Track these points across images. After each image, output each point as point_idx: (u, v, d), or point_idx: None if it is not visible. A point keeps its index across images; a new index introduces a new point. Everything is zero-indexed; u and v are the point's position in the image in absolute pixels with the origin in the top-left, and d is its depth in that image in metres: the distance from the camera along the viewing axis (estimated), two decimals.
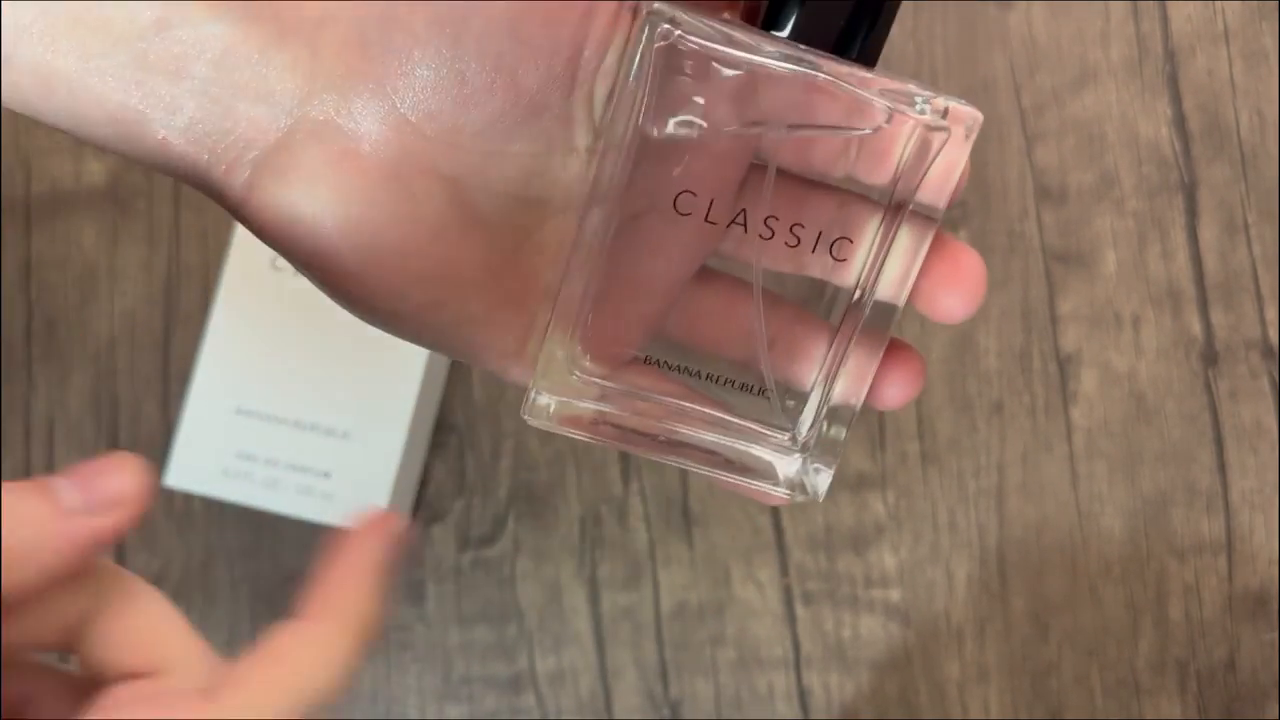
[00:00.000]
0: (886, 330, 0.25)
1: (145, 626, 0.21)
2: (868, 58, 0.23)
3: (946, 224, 0.48)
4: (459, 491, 0.48)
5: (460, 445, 0.48)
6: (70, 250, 0.50)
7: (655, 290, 0.25)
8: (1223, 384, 0.47)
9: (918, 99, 0.23)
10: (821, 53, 0.23)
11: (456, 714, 0.47)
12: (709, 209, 0.23)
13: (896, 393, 0.25)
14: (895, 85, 0.23)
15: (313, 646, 0.21)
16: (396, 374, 0.44)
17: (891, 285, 0.24)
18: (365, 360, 0.44)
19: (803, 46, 0.23)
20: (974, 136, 0.24)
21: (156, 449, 0.48)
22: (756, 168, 0.24)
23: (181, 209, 0.49)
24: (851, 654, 0.47)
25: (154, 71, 0.21)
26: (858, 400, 0.25)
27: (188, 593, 0.48)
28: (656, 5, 0.22)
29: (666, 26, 0.22)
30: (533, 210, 0.24)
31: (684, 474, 0.48)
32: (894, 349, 0.25)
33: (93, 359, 0.49)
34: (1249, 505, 0.46)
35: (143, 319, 0.49)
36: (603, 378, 0.25)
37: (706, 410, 0.25)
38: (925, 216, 0.24)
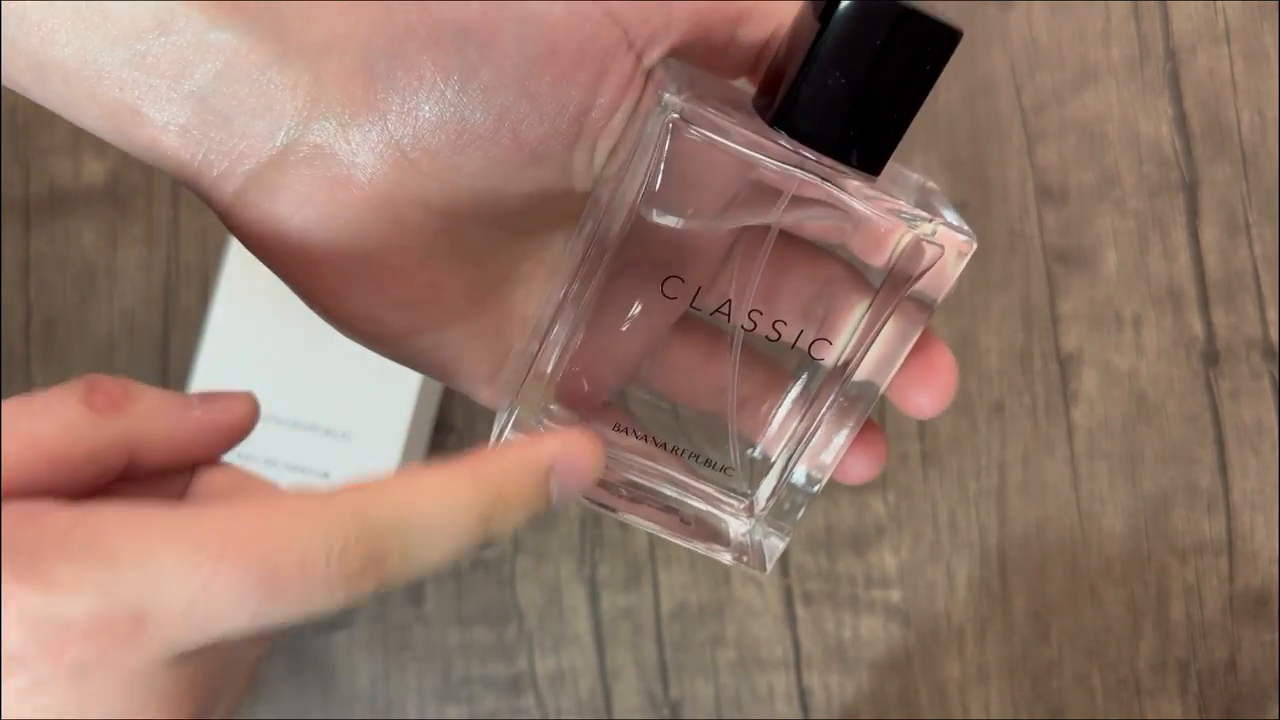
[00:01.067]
0: (865, 409, 0.25)
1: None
2: (873, 166, 0.23)
3: None
4: None
5: (460, 445, 0.48)
6: (69, 250, 0.50)
7: (630, 349, 0.25)
8: (1224, 384, 0.47)
9: (910, 218, 0.23)
10: (825, 160, 0.22)
11: (456, 714, 0.47)
12: (694, 296, 0.24)
13: (861, 471, 0.26)
14: (893, 205, 0.23)
15: (441, 495, 0.19)
16: (396, 374, 0.44)
17: (874, 367, 0.24)
18: (365, 360, 0.44)
19: (806, 151, 0.22)
20: (967, 259, 0.23)
21: None
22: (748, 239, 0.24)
23: (181, 209, 0.49)
24: (852, 654, 0.47)
25: (152, 72, 0.21)
26: (823, 474, 0.25)
27: None
28: (667, 98, 0.22)
29: (675, 117, 0.22)
30: (523, 244, 0.24)
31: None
32: (863, 429, 0.26)
33: (92, 359, 0.49)
34: (1250, 505, 0.46)
35: (142, 319, 0.49)
36: (569, 424, 0.25)
37: (667, 470, 0.25)
38: (919, 304, 0.24)
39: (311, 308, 0.23)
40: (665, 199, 0.23)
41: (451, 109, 0.21)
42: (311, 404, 0.44)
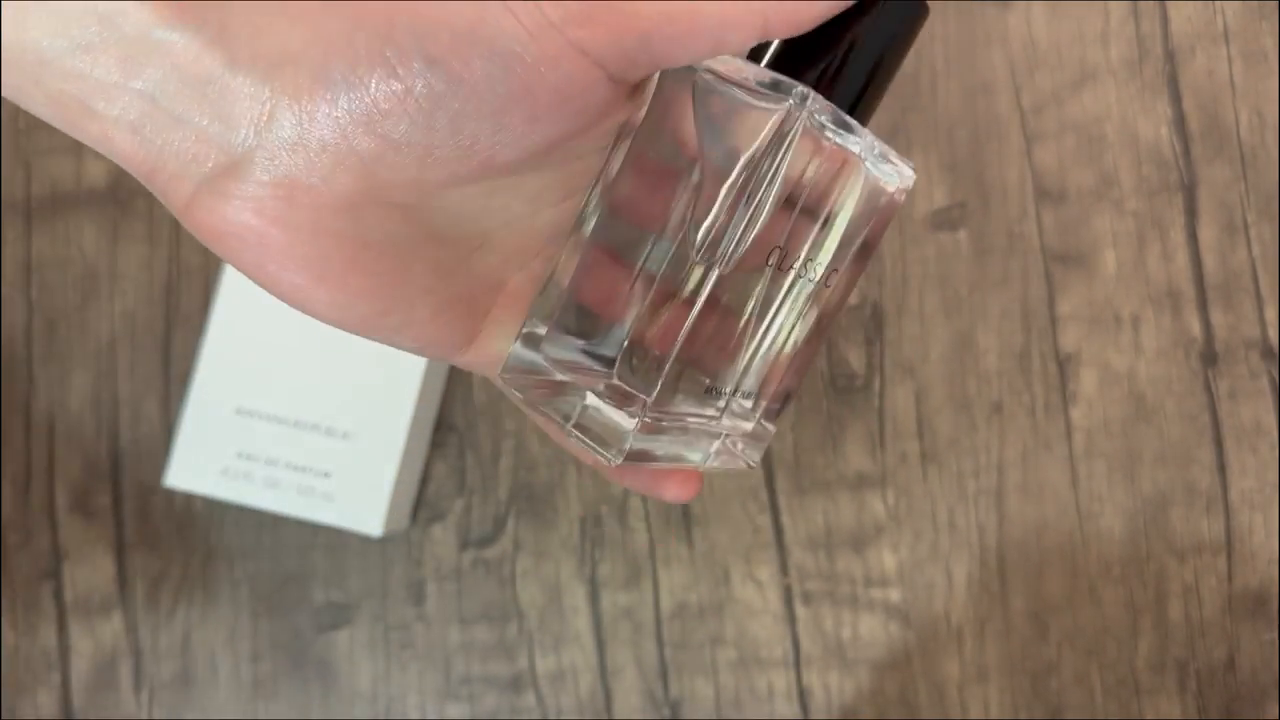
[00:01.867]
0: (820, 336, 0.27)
1: None
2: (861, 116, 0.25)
3: (945, 224, 0.48)
4: (459, 491, 0.48)
5: (460, 445, 0.48)
6: (71, 250, 0.50)
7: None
8: (1222, 384, 0.47)
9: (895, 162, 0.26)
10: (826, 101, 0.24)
11: (457, 713, 0.47)
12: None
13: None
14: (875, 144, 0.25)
15: None
16: (396, 374, 0.44)
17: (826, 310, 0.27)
18: (365, 360, 0.44)
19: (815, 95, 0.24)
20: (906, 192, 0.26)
21: (156, 449, 0.49)
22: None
23: None
24: (851, 654, 0.47)
25: (98, 66, 0.20)
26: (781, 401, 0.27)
27: (188, 593, 0.48)
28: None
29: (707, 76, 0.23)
30: (493, 218, 0.24)
31: None
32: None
33: (93, 359, 0.49)
34: (1249, 505, 0.46)
35: (143, 319, 0.49)
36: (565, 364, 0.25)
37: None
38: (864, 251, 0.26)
39: (274, 295, 0.23)
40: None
41: (419, 133, 0.21)
42: (312, 404, 0.44)
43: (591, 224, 0.25)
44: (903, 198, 0.26)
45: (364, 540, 0.48)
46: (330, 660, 0.48)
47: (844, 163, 0.25)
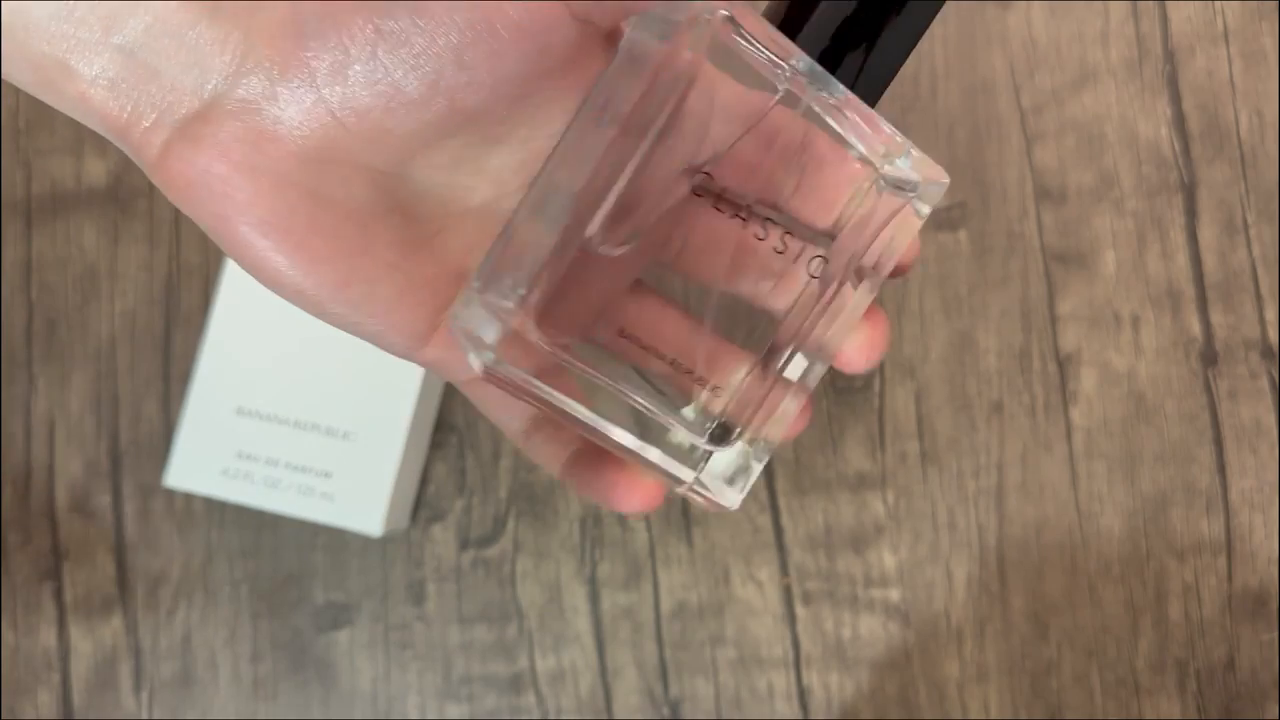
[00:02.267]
0: (815, 380, 0.25)
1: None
2: (869, 96, 0.24)
3: (945, 224, 0.48)
4: (459, 491, 0.48)
5: (460, 445, 0.48)
6: (71, 250, 0.50)
7: (614, 276, 0.25)
8: (1222, 384, 0.47)
9: (902, 154, 0.24)
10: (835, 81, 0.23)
11: (456, 713, 0.47)
12: (722, 191, 0.24)
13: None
14: (883, 128, 0.24)
15: None
16: (396, 374, 0.44)
17: (826, 338, 0.25)
18: (365, 360, 0.44)
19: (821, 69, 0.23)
20: (932, 206, 0.24)
21: (156, 449, 0.49)
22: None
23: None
24: (851, 654, 0.47)
25: (81, 25, 0.21)
26: (773, 444, 0.25)
27: (188, 593, 0.48)
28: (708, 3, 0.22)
29: (724, 15, 0.22)
30: (458, 195, 0.24)
31: None
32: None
33: (93, 359, 0.49)
34: (1248, 505, 0.47)
35: (143, 319, 0.49)
36: (553, 343, 0.24)
37: (632, 398, 0.25)
38: (868, 277, 0.24)
39: (236, 261, 0.23)
40: (633, 212, 0.23)
41: (383, 73, 0.21)
42: (312, 404, 0.44)
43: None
44: (908, 207, 0.25)
45: (364, 540, 0.48)
46: (330, 660, 0.48)
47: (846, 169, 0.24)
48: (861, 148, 0.24)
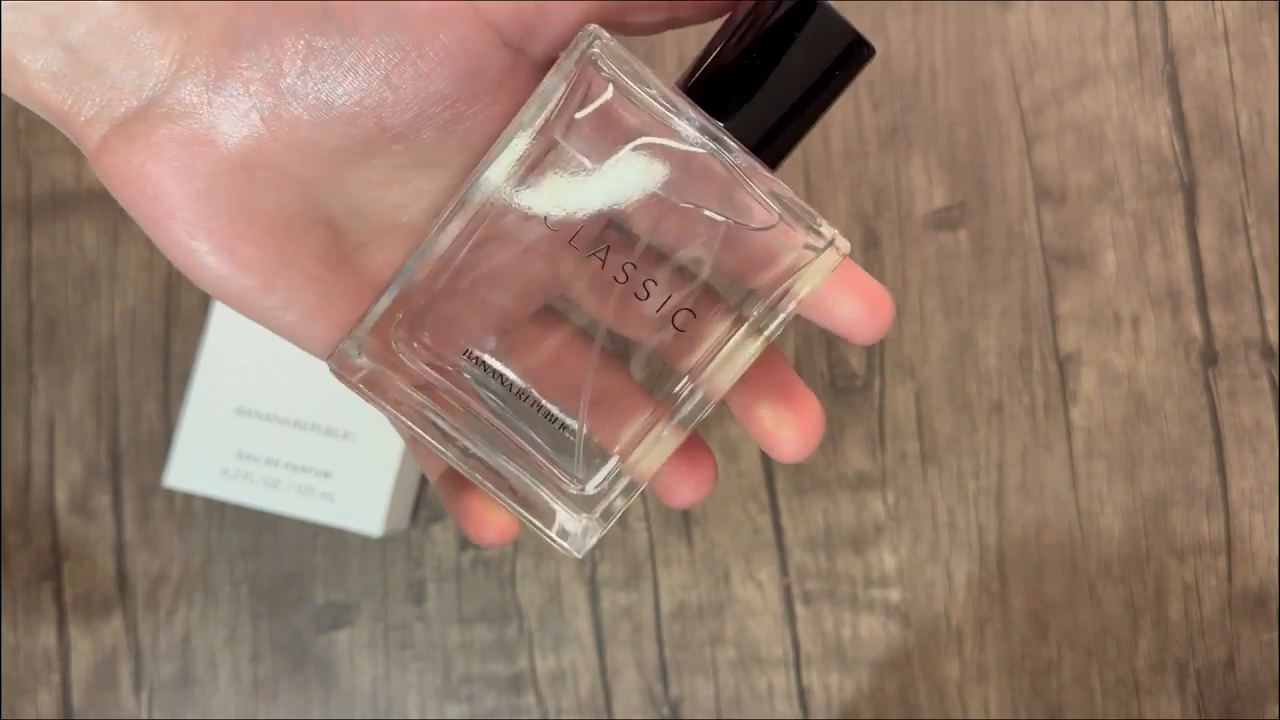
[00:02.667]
0: (689, 427, 0.25)
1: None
2: (773, 160, 0.23)
3: (945, 224, 0.48)
4: None
5: None
6: (71, 250, 0.50)
7: (498, 306, 0.25)
8: (1222, 384, 0.47)
9: (812, 220, 0.23)
10: (731, 137, 0.23)
11: (456, 713, 0.47)
12: (576, 234, 0.24)
13: (689, 494, 0.26)
14: (793, 199, 0.23)
15: None
16: None
17: (715, 386, 0.24)
18: None
19: (716, 124, 0.23)
20: (832, 266, 0.24)
21: (156, 449, 0.49)
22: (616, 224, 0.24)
23: None
24: (851, 654, 0.47)
25: (28, 23, 0.22)
26: (643, 481, 0.25)
27: (188, 593, 0.48)
28: (591, 28, 0.22)
29: (599, 42, 0.22)
30: (388, 211, 0.24)
31: None
32: (693, 446, 0.26)
33: (93, 359, 0.49)
34: (1248, 505, 0.47)
35: (143, 319, 0.49)
36: (426, 363, 0.24)
37: (510, 434, 0.25)
38: (762, 331, 0.24)
39: (167, 256, 0.24)
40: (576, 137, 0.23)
41: (314, 86, 0.22)
42: (312, 404, 0.44)
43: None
44: (819, 260, 0.24)
45: (364, 540, 0.48)
46: (330, 660, 0.48)
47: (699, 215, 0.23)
48: (775, 209, 0.23)
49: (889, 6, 0.49)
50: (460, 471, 0.25)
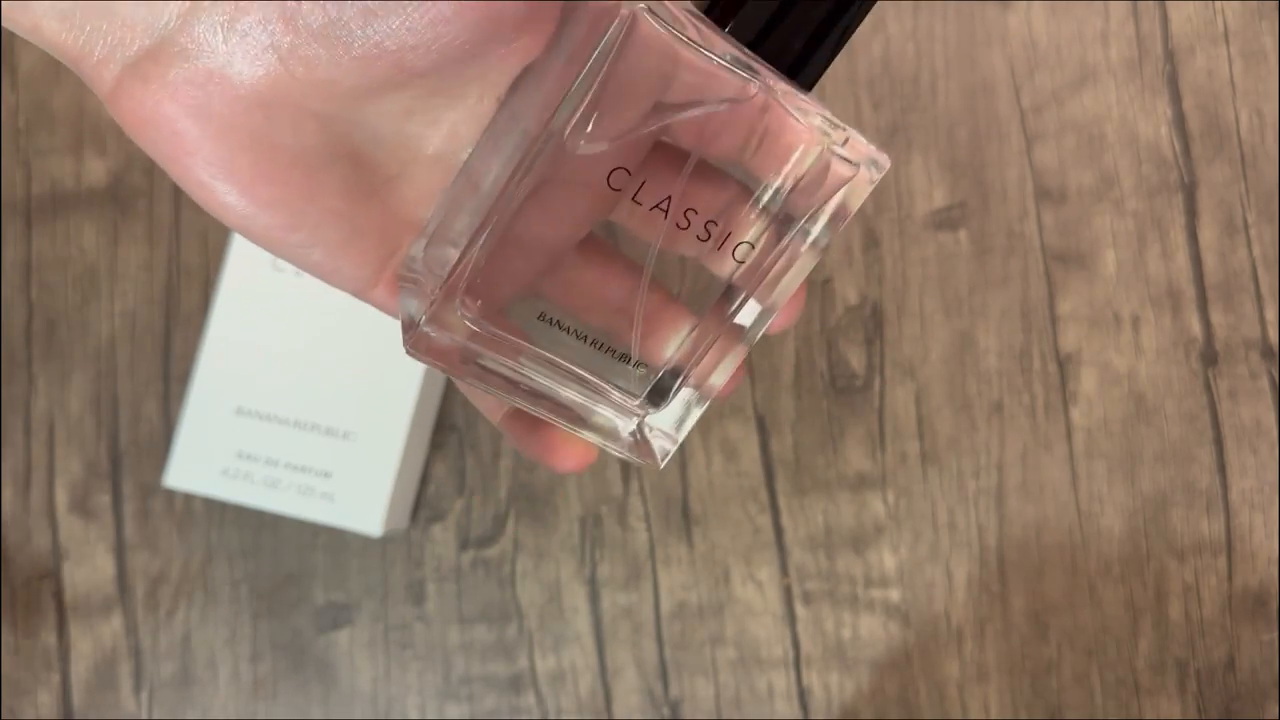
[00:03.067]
0: (755, 335, 0.26)
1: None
2: (806, 80, 0.24)
3: (945, 224, 0.48)
4: (459, 491, 0.48)
5: (460, 445, 0.48)
6: (70, 250, 0.50)
7: (548, 245, 0.25)
8: (1222, 384, 0.47)
9: (827, 126, 0.24)
10: (765, 64, 0.24)
11: (456, 713, 0.47)
12: (610, 175, 0.24)
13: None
14: (818, 110, 0.24)
15: None
16: (396, 374, 0.44)
17: (774, 298, 0.25)
18: (365, 360, 0.44)
19: (749, 53, 0.23)
20: (876, 180, 0.25)
21: (156, 449, 0.49)
22: (660, 145, 0.24)
23: (181, 209, 0.49)
24: (851, 654, 0.47)
25: None
26: (710, 394, 0.26)
27: (188, 593, 0.48)
28: None
29: (642, 7, 0.22)
30: (411, 143, 0.24)
31: (684, 474, 0.48)
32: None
33: (93, 359, 0.49)
34: (1249, 505, 0.47)
35: (143, 319, 0.49)
36: (477, 317, 0.25)
37: (566, 365, 0.25)
38: (812, 242, 0.25)
39: (191, 196, 0.23)
40: (601, 113, 0.23)
41: (334, 27, 0.22)
42: (312, 404, 0.44)
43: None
44: (859, 175, 0.25)
45: (364, 540, 0.48)
46: (330, 660, 0.48)
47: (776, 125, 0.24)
48: (814, 118, 0.24)
49: (889, 6, 0.49)
50: (530, 412, 0.25)
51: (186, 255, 0.49)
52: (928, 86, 0.49)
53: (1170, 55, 0.48)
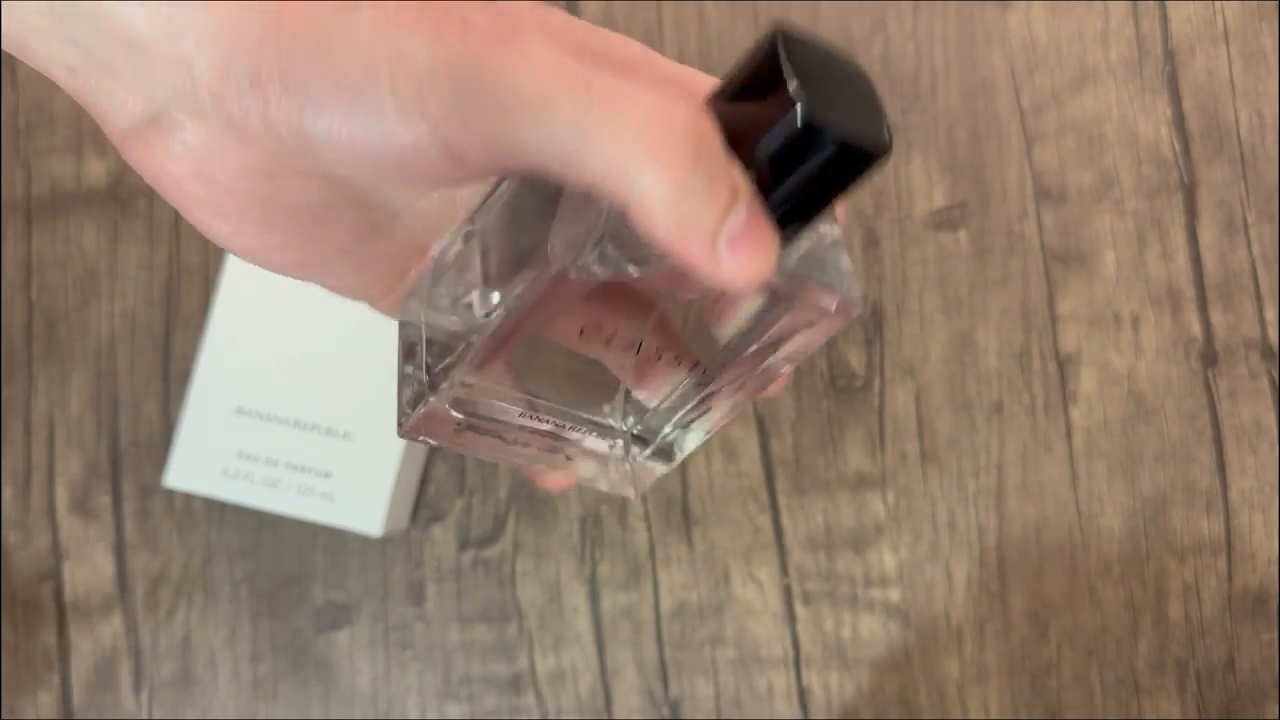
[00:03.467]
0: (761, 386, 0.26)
1: None
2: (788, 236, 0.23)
3: (945, 224, 0.48)
4: (459, 491, 0.48)
5: None
6: (71, 250, 0.50)
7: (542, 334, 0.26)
8: (1222, 384, 0.47)
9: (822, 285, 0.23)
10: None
11: (456, 713, 0.47)
12: (611, 339, 0.25)
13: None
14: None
15: None
16: (396, 374, 0.44)
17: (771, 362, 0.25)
18: (365, 360, 0.44)
19: None
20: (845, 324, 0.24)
21: (156, 449, 0.49)
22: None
23: None
24: (851, 654, 0.47)
25: (31, 13, 0.21)
26: (698, 440, 0.27)
27: (188, 593, 0.48)
28: None
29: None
30: (414, 190, 0.25)
31: (683, 474, 0.48)
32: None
33: (93, 359, 0.49)
34: (1248, 505, 0.47)
35: (143, 319, 0.49)
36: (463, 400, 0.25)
37: (555, 407, 0.26)
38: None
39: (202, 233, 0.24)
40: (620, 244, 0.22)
41: (301, 137, 0.22)
42: (312, 404, 0.44)
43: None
44: (823, 324, 0.24)
45: (364, 540, 0.48)
46: (330, 660, 0.48)
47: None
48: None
49: (889, 6, 0.49)
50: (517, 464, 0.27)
51: (186, 255, 0.49)
52: (927, 86, 0.49)
53: (1170, 55, 0.48)
